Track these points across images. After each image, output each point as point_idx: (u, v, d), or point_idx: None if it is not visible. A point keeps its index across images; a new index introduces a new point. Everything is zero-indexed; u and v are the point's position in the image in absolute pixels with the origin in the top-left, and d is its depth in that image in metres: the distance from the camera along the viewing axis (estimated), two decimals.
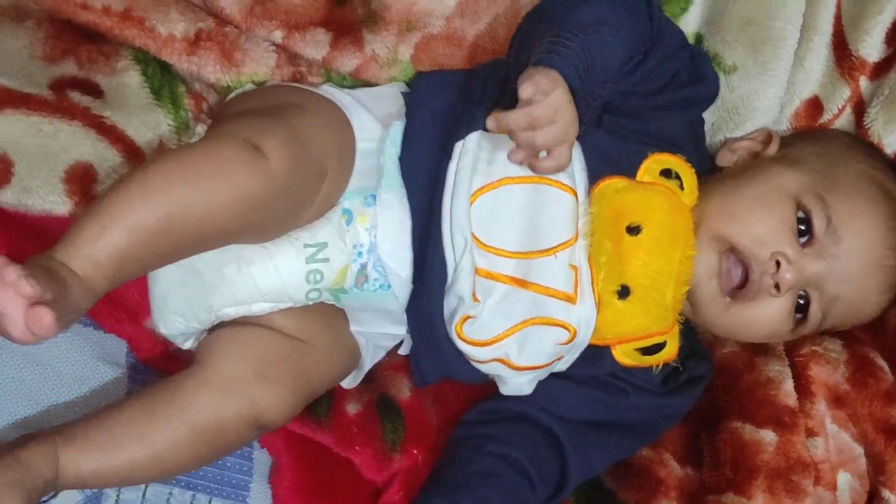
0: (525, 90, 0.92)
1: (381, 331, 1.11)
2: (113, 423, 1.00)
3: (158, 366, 1.11)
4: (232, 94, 1.12)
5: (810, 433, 1.14)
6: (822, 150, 1.15)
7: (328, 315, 1.09)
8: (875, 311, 1.13)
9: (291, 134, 0.97)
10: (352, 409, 1.12)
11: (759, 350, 1.19)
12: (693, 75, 1.14)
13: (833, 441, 1.14)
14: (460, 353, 1.08)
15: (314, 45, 1.10)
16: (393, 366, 1.18)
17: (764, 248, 1.06)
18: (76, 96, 1.04)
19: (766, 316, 1.09)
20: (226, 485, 1.12)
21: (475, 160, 1.04)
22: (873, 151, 1.17)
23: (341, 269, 1.04)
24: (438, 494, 1.08)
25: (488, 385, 1.15)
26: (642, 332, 1.07)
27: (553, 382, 1.11)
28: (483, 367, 1.08)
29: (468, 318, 1.04)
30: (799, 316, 1.10)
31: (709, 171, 1.15)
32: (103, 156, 1.03)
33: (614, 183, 1.06)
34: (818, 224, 1.07)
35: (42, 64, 1.06)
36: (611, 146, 1.08)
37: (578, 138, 1.05)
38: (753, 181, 1.10)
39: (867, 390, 1.16)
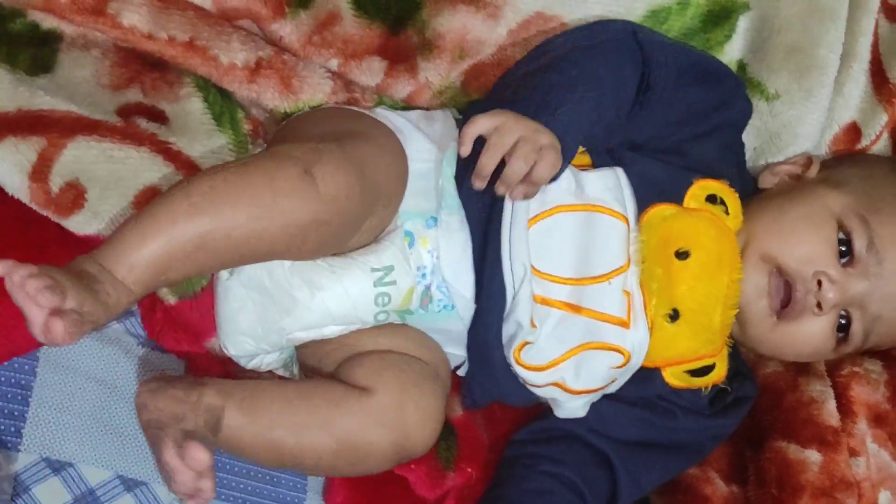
0: (473, 131, 0.98)
1: (446, 350, 1.13)
2: (278, 401, 1.02)
3: None
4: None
5: (852, 452, 1.16)
6: (864, 172, 1.17)
7: (426, 336, 1.11)
8: None
9: (346, 160, 0.98)
10: None
11: (802, 370, 1.21)
12: (717, 100, 1.15)
13: (874, 460, 1.16)
14: (514, 378, 1.10)
15: (369, 73, 1.13)
16: None
17: (808, 267, 1.09)
18: (143, 123, 1.06)
19: (809, 334, 1.11)
20: (280, 501, 1.14)
21: None
22: None
23: (407, 291, 1.06)
24: None
25: (537, 407, 1.17)
26: (692, 354, 1.10)
27: (602, 403, 1.13)
28: (539, 392, 1.10)
29: (526, 343, 1.06)
30: (841, 335, 1.12)
31: (752, 194, 1.18)
32: (170, 180, 1.05)
33: (662, 210, 1.08)
34: (858, 245, 1.10)
35: (109, 92, 1.08)
36: (657, 173, 1.11)
37: (626, 167, 1.09)
38: (798, 202, 1.13)
39: None
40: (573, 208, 1.07)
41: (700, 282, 1.07)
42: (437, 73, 1.14)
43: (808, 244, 1.10)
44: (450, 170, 1.08)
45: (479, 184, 1.02)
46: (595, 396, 1.12)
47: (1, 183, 1.04)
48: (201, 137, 1.09)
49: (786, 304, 1.10)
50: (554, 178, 1.03)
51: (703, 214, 1.09)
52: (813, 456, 1.15)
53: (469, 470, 1.15)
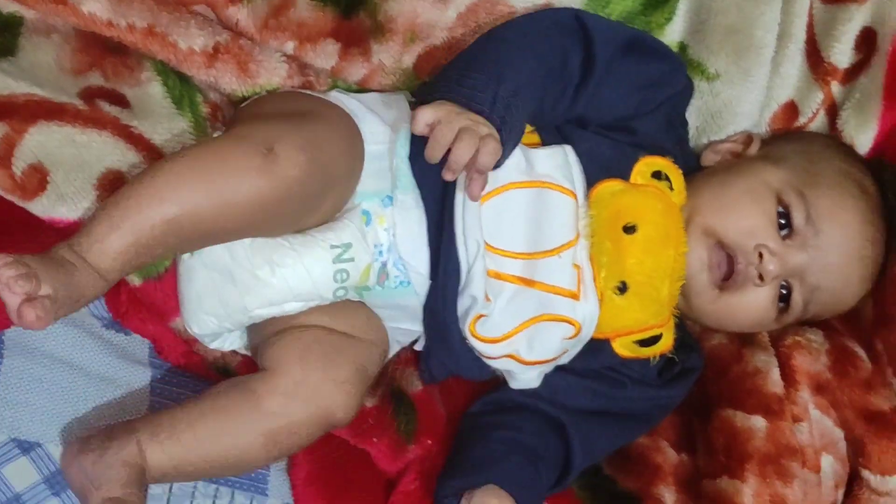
0: (417, 126, 1.02)
1: (399, 326, 1.16)
2: (190, 419, 1.04)
3: (181, 364, 1.16)
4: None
5: (796, 419, 1.20)
6: (802, 148, 1.23)
7: (367, 311, 1.14)
8: (854, 300, 1.21)
9: (305, 139, 1.02)
10: (368, 402, 1.16)
11: (746, 341, 1.25)
12: (660, 77, 1.20)
13: (816, 426, 1.21)
14: (469, 351, 1.14)
15: (324, 56, 1.16)
16: (402, 360, 1.23)
17: (749, 241, 1.13)
18: (105, 106, 1.09)
19: (751, 305, 1.16)
20: (245, 478, 1.15)
21: None
22: (850, 150, 1.25)
23: (365, 268, 1.09)
24: (461, 476, 1.13)
25: (491, 380, 1.21)
26: (640, 325, 1.14)
27: (554, 375, 1.17)
28: (494, 363, 1.14)
29: (481, 316, 1.10)
30: (782, 305, 1.17)
31: (695, 170, 1.22)
32: (132, 163, 1.08)
33: (611, 186, 1.13)
34: (797, 218, 1.15)
35: (70, 76, 1.11)
36: (604, 150, 1.15)
37: (574, 144, 1.13)
38: (739, 178, 1.18)
39: (847, 378, 1.23)
40: (523, 185, 1.11)
41: (648, 255, 1.12)
42: (389, 56, 1.18)
43: (749, 218, 1.15)
44: (404, 151, 1.12)
45: (449, 176, 1.05)
46: (548, 367, 1.16)
47: None
48: (162, 121, 1.12)
49: (728, 276, 1.15)
50: (498, 165, 1.06)
51: (650, 190, 1.14)
52: (759, 423, 1.19)
53: (429, 442, 1.18)
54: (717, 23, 1.23)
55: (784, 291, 1.17)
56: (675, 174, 1.16)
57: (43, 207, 1.06)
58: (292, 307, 1.09)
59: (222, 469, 1.07)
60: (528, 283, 1.11)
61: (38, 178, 1.05)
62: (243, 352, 1.17)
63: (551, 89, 1.14)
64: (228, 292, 1.07)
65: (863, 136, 1.27)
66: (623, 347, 1.16)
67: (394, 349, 1.20)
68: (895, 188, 1.25)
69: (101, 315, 1.15)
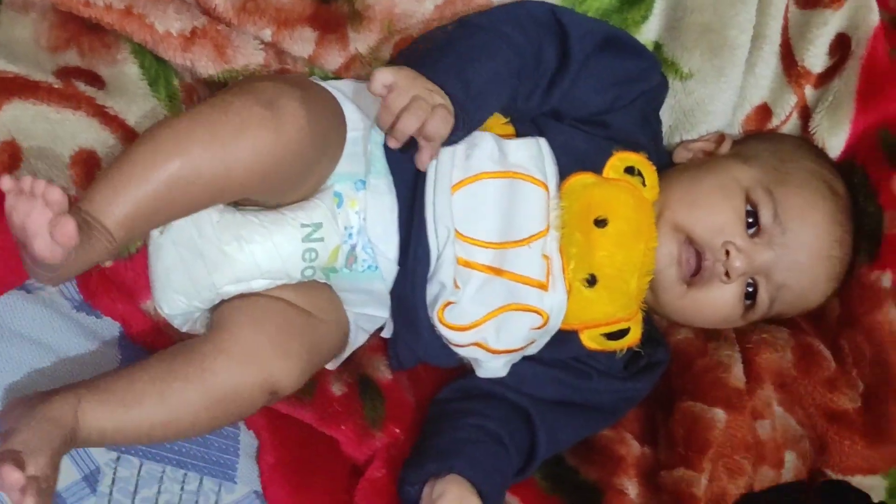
0: (374, 86, 1.04)
1: (366, 311, 1.17)
2: (134, 380, 1.04)
3: (150, 346, 1.15)
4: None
5: (759, 415, 1.22)
6: (773, 148, 1.24)
7: (330, 294, 1.15)
8: (820, 299, 1.23)
9: (306, 98, 1.02)
10: (336, 389, 1.18)
11: (712, 336, 1.27)
12: (636, 72, 1.22)
13: (779, 422, 1.23)
14: (437, 338, 1.16)
15: (301, 42, 1.16)
16: (371, 348, 1.24)
17: (716, 237, 1.15)
18: (81, 85, 1.09)
19: (718, 301, 1.18)
20: (214, 464, 1.16)
21: (453, 155, 1.12)
22: (820, 152, 1.27)
23: (334, 249, 1.11)
24: (431, 460, 1.14)
25: (459, 368, 1.23)
26: (608, 318, 1.16)
27: (521, 364, 1.19)
28: (461, 351, 1.16)
29: (449, 303, 1.11)
30: (748, 302, 1.19)
31: (667, 167, 1.24)
32: (105, 142, 1.09)
33: (583, 178, 1.14)
34: (765, 216, 1.16)
35: (47, 53, 1.11)
36: (579, 144, 1.17)
37: (548, 137, 1.15)
38: (709, 175, 1.20)
39: (811, 377, 1.25)
40: (495, 175, 1.12)
41: (618, 249, 1.13)
42: (366, 45, 1.19)
43: (718, 215, 1.16)
44: (379, 137, 1.13)
45: (393, 144, 1.07)
46: (515, 357, 1.17)
47: None
48: (137, 101, 1.12)
49: (696, 272, 1.17)
50: (453, 140, 1.08)
51: (622, 185, 1.15)
52: (719, 415, 1.21)
53: (396, 430, 1.19)
54: (692, 21, 1.24)
55: (750, 289, 1.18)
56: (649, 170, 1.17)
57: None
58: (259, 284, 1.10)
59: (164, 432, 1.06)
60: (498, 272, 1.12)
61: (10, 153, 1.06)
62: None
63: (525, 80, 1.15)
64: (197, 269, 1.08)
65: (834, 140, 1.29)
66: (591, 340, 1.18)
67: (360, 337, 1.21)
68: (865, 191, 1.27)
69: (71, 296, 1.15)
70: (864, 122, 1.29)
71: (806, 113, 1.31)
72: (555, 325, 1.15)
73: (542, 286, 1.13)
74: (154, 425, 1.04)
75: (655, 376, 1.25)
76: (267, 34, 1.16)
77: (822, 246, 1.18)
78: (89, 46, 1.13)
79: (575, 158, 1.15)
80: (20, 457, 0.95)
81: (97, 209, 0.97)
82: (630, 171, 1.17)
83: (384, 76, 1.04)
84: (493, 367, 1.17)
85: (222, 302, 1.10)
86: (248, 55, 1.16)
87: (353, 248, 1.13)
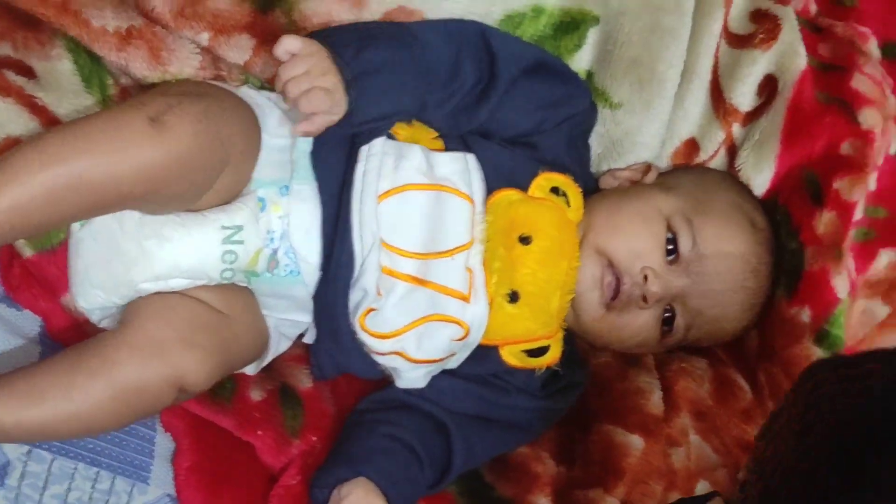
0: (278, 49, 1.08)
1: (287, 317, 1.18)
2: (36, 375, 1.04)
3: (71, 343, 1.13)
4: None
5: (674, 442, 1.25)
6: (697, 179, 1.28)
7: (247, 296, 1.16)
8: (736, 327, 1.26)
9: (196, 113, 1.04)
10: (255, 395, 1.19)
11: (632, 362, 1.30)
12: (564, 96, 1.25)
13: (694, 451, 1.25)
14: (359, 347, 1.17)
15: (238, 50, 1.17)
16: (293, 357, 1.25)
17: (636, 263, 1.18)
18: (10, 75, 1.10)
19: (636, 325, 1.20)
20: (128, 464, 1.16)
21: (381, 164, 1.14)
22: (743, 187, 1.31)
23: (255, 253, 1.12)
24: (340, 465, 1.16)
25: (381, 381, 1.24)
26: (529, 335, 1.18)
27: (441, 378, 1.21)
28: (381, 360, 1.17)
29: (371, 310, 1.13)
30: (665, 328, 1.21)
31: (593, 192, 1.27)
32: (35, 133, 1.09)
33: (509, 195, 1.17)
34: (684, 244, 1.19)
35: None
36: (506, 161, 1.20)
37: (477, 153, 1.17)
38: (632, 201, 1.23)
39: (727, 407, 1.28)
40: (422, 187, 1.15)
41: (541, 266, 1.16)
42: None
43: (638, 240, 1.19)
44: (305, 145, 1.15)
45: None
46: (435, 369, 1.19)
47: None
48: (69, 96, 1.13)
49: (615, 296, 1.19)
50: (344, 125, 1.12)
51: (546, 203, 1.18)
52: (636, 442, 1.23)
53: (314, 438, 1.20)
54: (622, 54, 1.27)
55: (668, 314, 1.21)
56: (574, 191, 1.20)
57: None
58: (178, 283, 1.10)
59: (68, 428, 1.05)
60: (421, 282, 1.14)
61: None
62: None
63: (436, 87, 1.18)
64: (115, 265, 1.09)
65: (760, 177, 1.32)
66: (511, 356, 1.20)
67: (283, 344, 1.23)
68: (787, 228, 1.31)
69: None
70: (788, 162, 1.32)
71: (733, 150, 1.34)
72: (475, 337, 1.17)
73: (465, 298, 1.15)
74: (57, 421, 1.04)
75: (572, 397, 1.27)
76: (204, 38, 1.17)
77: (736, 276, 1.21)
78: (23, 41, 1.13)
79: (501, 175, 1.18)
80: None
81: None
82: (555, 191, 1.20)
83: (290, 43, 1.08)
84: (412, 378, 1.19)
85: (149, 294, 1.11)
86: (183, 59, 1.17)
87: (275, 252, 1.14)
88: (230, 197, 1.12)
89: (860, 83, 1.37)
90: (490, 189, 1.17)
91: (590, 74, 1.30)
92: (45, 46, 1.14)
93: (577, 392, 1.27)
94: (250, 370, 1.21)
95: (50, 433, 1.06)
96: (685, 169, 1.34)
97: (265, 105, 1.17)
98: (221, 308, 1.12)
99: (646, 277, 1.17)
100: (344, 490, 1.12)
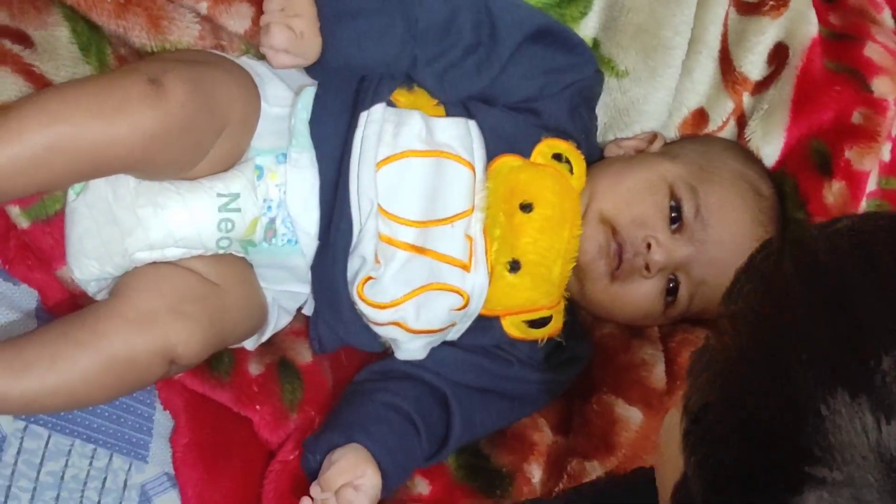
0: None
1: (285, 288, 1.18)
2: (25, 345, 1.04)
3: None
4: None
5: None
6: (702, 148, 1.27)
7: (243, 268, 1.15)
8: None
9: (194, 77, 1.04)
10: (254, 369, 1.19)
11: (636, 334, 1.29)
12: (568, 63, 1.24)
13: None
14: (359, 318, 1.17)
15: (238, 18, 1.17)
16: (293, 331, 1.25)
17: (639, 231, 1.17)
18: (7, 43, 1.10)
19: (639, 295, 1.19)
20: (126, 442, 1.17)
21: (381, 131, 1.14)
22: (750, 155, 1.30)
23: (252, 221, 1.12)
24: (333, 431, 1.16)
25: (381, 355, 1.24)
26: (530, 304, 1.18)
27: (442, 349, 1.21)
28: (380, 330, 1.17)
29: (370, 279, 1.13)
30: (669, 298, 1.20)
31: (598, 161, 1.27)
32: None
33: (510, 161, 1.17)
34: (687, 211, 1.18)
35: None
36: (507, 128, 1.19)
37: (478, 119, 1.17)
38: (635, 169, 1.22)
39: None
40: (421, 154, 1.14)
41: (542, 234, 1.15)
42: None
43: (641, 208, 1.18)
44: (305, 113, 1.15)
45: None
46: (435, 339, 1.19)
47: None
48: (67, 64, 1.13)
49: (618, 265, 1.18)
50: (321, 73, 1.14)
51: (548, 170, 1.18)
52: (636, 416, 1.23)
53: (312, 413, 1.20)
54: (628, 21, 1.27)
55: (672, 284, 1.20)
56: (576, 158, 1.20)
57: None
58: (173, 253, 1.11)
59: (57, 399, 1.05)
60: (420, 250, 1.13)
61: None
62: None
63: (427, 41, 1.16)
64: (110, 233, 1.09)
65: (769, 148, 1.32)
66: (512, 326, 1.19)
67: (283, 319, 1.22)
68: (795, 200, 1.30)
69: None
70: (797, 132, 1.32)
71: (742, 120, 1.33)
72: (476, 307, 1.16)
73: (465, 266, 1.14)
74: (44, 392, 1.03)
75: (576, 370, 1.26)
76: (203, 7, 1.17)
77: (740, 244, 1.19)
78: (20, 8, 1.13)
79: (503, 141, 1.17)
80: None
81: None
82: (558, 158, 1.19)
83: None
84: (411, 349, 1.19)
85: (143, 265, 1.11)
86: (182, 28, 1.17)
87: (273, 221, 1.14)
88: (227, 165, 1.12)
89: (873, 52, 1.36)
90: (491, 155, 1.17)
91: (596, 42, 1.30)
92: (42, 14, 1.14)
93: (580, 365, 1.26)
94: (249, 345, 1.21)
95: (37, 406, 1.06)
96: (691, 138, 1.33)
97: (265, 74, 1.17)
98: (215, 279, 1.12)
99: (649, 245, 1.16)
100: (335, 455, 1.12)
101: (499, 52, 1.19)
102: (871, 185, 1.31)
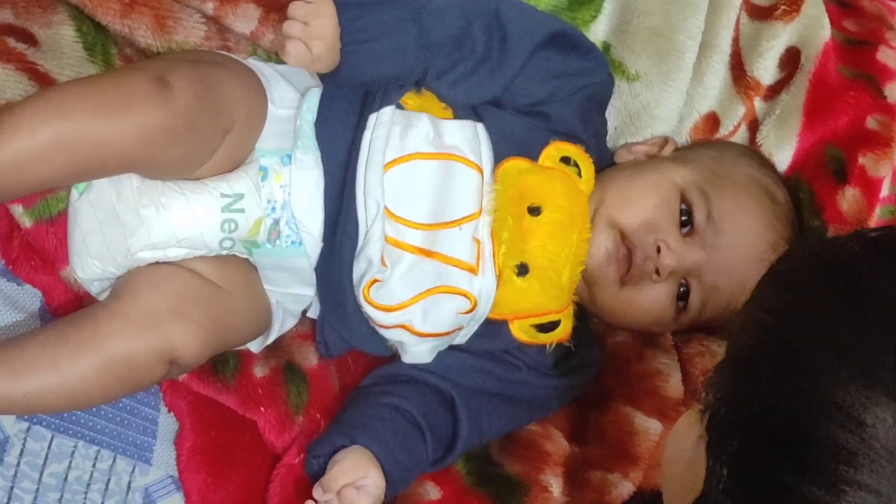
0: None
1: (290, 290, 1.18)
2: (26, 346, 1.04)
3: None
4: None
5: None
6: (714, 153, 1.27)
7: (246, 270, 1.15)
8: None
9: (201, 77, 1.05)
10: (259, 371, 1.19)
11: (649, 342, 1.28)
12: (580, 67, 1.24)
13: None
14: (365, 322, 1.17)
15: (244, 19, 1.18)
16: (300, 335, 1.25)
17: (649, 235, 1.16)
18: (11, 41, 1.10)
19: (650, 300, 1.19)
20: (130, 444, 1.17)
21: (388, 133, 1.14)
22: (764, 161, 1.30)
23: (255, 222, 1.12)
24: (335, 434, 1.16)
25: (388, 359, 1.24)
26: (539, 309, 1.17)
27: (449, 353, 1.21)
28: (387, 333, 1.17)
29: (376, 281, 1.13)
30: (681, 304, 1.20)
31: (608, 166, 1.26)
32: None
33: (518, 164, 1.16)
34: (699, 216, 1.18)
35: None
36: (516, 130, 1.19)
37: (487, 122, 1.17)
38: (646, 173, 1.22)
39: None
40: (429, 156, 1.14)
41: (551, 238, 1.15)
42: None
43: (651, 212, 1.18)
44: (310, 115, 1.15)
45: None
46: (441, 343, 1.19)
47: None
48: (72, 63, 1.13)
49: (628, 270, 1.18)
50: (333, 86, 1.14)
51: (556, 173, 1.17)
52: (654, 426, 1.22)
53: (318, 416, 1.20)
54: (640, 24, 1.27)
55: (683, 290, 1.20)
56: (585, 162, 1.19)
57: None
58: (176, 253, 1.11)
59: (57, 399, 1.05)
60: (428, 253, 1.13)
61: None
62: None
63: (440, 56, 1.16)
64: (112, 233, 1.09)
65: (781, 154, 1.32)
66: (521, 331, 1.19)
67: (288, 321, 1.22)
68: (810, 207, 1.30)
69: None
70: (810, 138, 1.32)
71: (754, 125, 1.33)
72: (483, 310, 1.16)
73: (472, 269, 1.14)
74: (44, 392, 1.04)
75: (587, 377, 1.26)
76: (209, 7, 1.17)
77: (753, 249, 1.19)
78: (25, 7, 1.14)
79: (511, 144, 1.17)
80: None
81: None
82: (566, 161, 1.19)
83: None
84: (418, 352, 1.18)
85: (143, 266, 1.11)
86: (189, 29, 1.18)
87: (277, 222, 1.14)
88: (232, 166, 1.12)
89: (887, 58, 1.36)
90: (499, 158, 1.17)
91: (606, 46, 1.30)
92: (48, 12, 1.14)
93: (591, 371, 1.26)
94: (254, 347, 1.21)
95: (38, 406, 1.06)
96: (704, 143, 1.32)
97: (271, 76, 1.17)
98: (217, 281, 1.12)
99: (659, 249, 1.16)
100: (338, 456, 1.12)
101: (511, 61, 1.19)
102: (885, 190, 1.31)
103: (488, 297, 1.15)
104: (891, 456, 0.63)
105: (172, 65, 1.04)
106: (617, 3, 1.29)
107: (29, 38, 1.13)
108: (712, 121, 1.33)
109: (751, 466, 0.68)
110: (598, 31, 1.29)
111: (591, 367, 1.26)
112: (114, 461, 1.17)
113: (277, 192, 1.13)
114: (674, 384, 1.26)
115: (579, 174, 1.19)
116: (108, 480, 1.16)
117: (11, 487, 1.12)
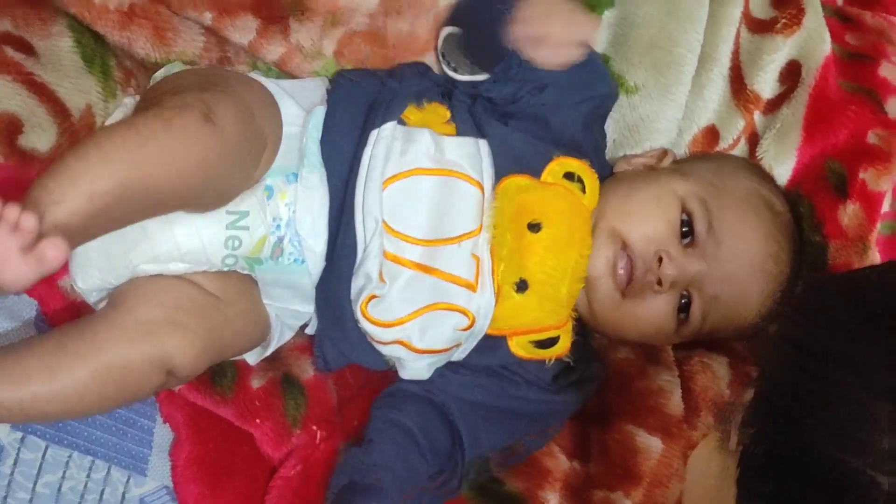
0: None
1: (290, 307, 1.19)
2: (23, 355, 1.04)
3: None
4: (161, 72, 1.19)
5: (694, 445, 1.21)
6: (714, 166, 1.27)
7: (245, 283, 1.16)
8: (754, 316, 1.23)
9: (239, 104, 1.06)
10: (256, 383, 1.19)
11: (651, 359, 1.29)
12: (581, 79, 1.24)
13: None
14: (363, 337, 1.17)
15: (242, 31, 1.18)
16: (298, 347, 1.25)
17: (650, 246, 1.17)
18: (9, 51, 1.11)
19: (651, 312, 1.19)
20: (125, 455, 1.17)
21: (389, 149, 1.15)
22: (764, 173, 1.30)
23: (259, 239, 1.13)
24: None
25: (386, 372, 1.24)
26: (537, 325, 1.17)
27: (447, 369, 1.21)
28: (384, 349, 1.17)
29: (374, 297, 1.13)
30: (682, 315, 1.20)
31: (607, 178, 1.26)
32: (32, 111, 1.10)
33: (518, 181, 1.17)
34: (699, 226, 1.18)
35: None
36: (518, 146, 1.19)
37: (489, 138, 1.18)
38: (646, 185, 1.22)
39: None
40: (429, 172, 1.15)
41: (550, 254, 1.15)
42: (308, 37, 1.21)
43: (652, 222, 1.18)
44: (316, 133, 1.16)
45: None
46: (439, 360, 1.19)
47: None
48: (70, 75, 1.14)
49: (629, 282, 1.18)
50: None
51: (558, 190, 1.18)
52: (656, 445, 1.23)
53: (315, 428, 1.20)
54: (639, 36, 1.28)
55: (684, 301, 1.20)
56: (589, 177, 1.20)
57: None
58: (178, 268, 1.12)
59: (53, 408, 1.05)
60: (426, 269, 1.14)
61: None
62: None
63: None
64: (115, 245, 1.09)
65: (781, 168, 1.33)
66: (519, 347, 1.19)
67: (286, 334, 1.23)
68: (810, 221, 1.30)
69: None
70: (810, 152, 1.32)
71: (754, 139, 1.34)
72: (481, 327, 1.16)
73: (471, 286, 1.15)
74: (40, 401, 1.04)
75: (587, 393, 1.26)
76: (207, 18, 1.18)
77: (754, 260, 1.20)
78: (24, 18, 1.14)
79: (513, 160, 1.18)
80: None
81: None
82: (570, 177, 1.19)
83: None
84: (416, 368, 1.19)
85: (143, 276, 1.11)
86: (188, 40, 1.18)
87: (281, 240, 1.15)
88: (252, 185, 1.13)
89: (888, 72, 1.37)
90: (501, 175, 1.17)
91: (605, 58, 1.30)
92: (47, 24, 1.15)
93: (591, 387, 1.26)
94: (252, 359, 1.21)
95: (34, 414, 1.07)
96: (703, 156, 1.33)
97: (278, 93, 1.18)
98: (216, 292, 1.13)
99: (660, 260, 1.17)
100: None
101: (512, 74, 1.21)
102: (886, 206, 1.31)
103: (486, 314, 1.15)
104: None
105: (210, 96, 1.04)
106: (615, 15, 1.30)
107: (28, 49, 1.14)
108: (712, 134, 1.34)
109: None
110: (596, 44, 1.29)
111: (591, 382, 1.26)
112: (108, 471, 1.17)
113: (282, 210, 1.14)
114: (675, 402, 1.26)
115: (583, 189, 1.19)
116: (103, 491, 1.17)
117: (5, 497, 1.13)
